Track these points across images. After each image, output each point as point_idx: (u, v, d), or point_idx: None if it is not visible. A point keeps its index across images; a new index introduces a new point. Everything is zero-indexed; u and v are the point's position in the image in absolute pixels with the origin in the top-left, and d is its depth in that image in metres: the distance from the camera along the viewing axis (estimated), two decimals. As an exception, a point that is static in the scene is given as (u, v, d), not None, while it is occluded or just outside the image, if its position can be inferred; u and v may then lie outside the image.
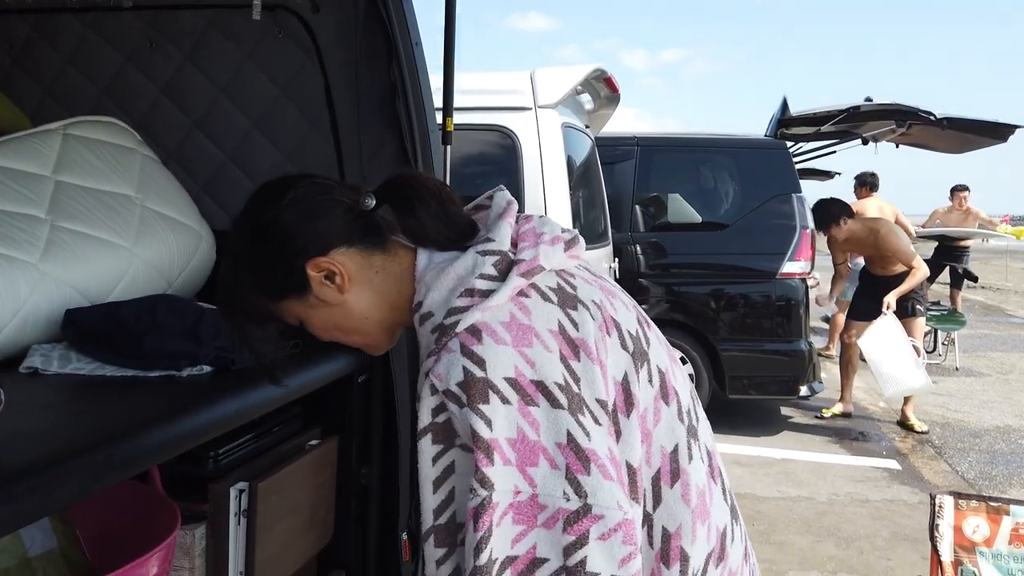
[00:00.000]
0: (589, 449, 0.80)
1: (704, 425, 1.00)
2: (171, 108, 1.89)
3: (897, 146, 6.02)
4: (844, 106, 5.00)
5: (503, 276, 0.88)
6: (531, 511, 0.79)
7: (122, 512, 1.22)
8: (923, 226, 8.36)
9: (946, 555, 1.69)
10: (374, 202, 0.95)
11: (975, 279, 8.76)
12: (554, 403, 0.81)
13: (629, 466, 0.86)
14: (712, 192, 5.28)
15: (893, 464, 4.46)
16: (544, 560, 0.79)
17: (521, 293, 0.88)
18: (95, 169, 1.57)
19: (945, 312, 6.98)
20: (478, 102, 3.30)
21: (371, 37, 1.65)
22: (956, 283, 8.39)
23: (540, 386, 0.81)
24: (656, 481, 0.90)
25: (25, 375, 1.25)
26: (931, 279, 8.37)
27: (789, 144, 5.34)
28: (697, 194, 5.27)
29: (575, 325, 0.86)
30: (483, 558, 0.78)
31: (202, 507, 1.26)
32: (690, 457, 0.92)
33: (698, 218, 5.17)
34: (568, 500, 0.79)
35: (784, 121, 5.20)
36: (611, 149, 4.90)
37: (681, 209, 5.19)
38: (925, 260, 8.57)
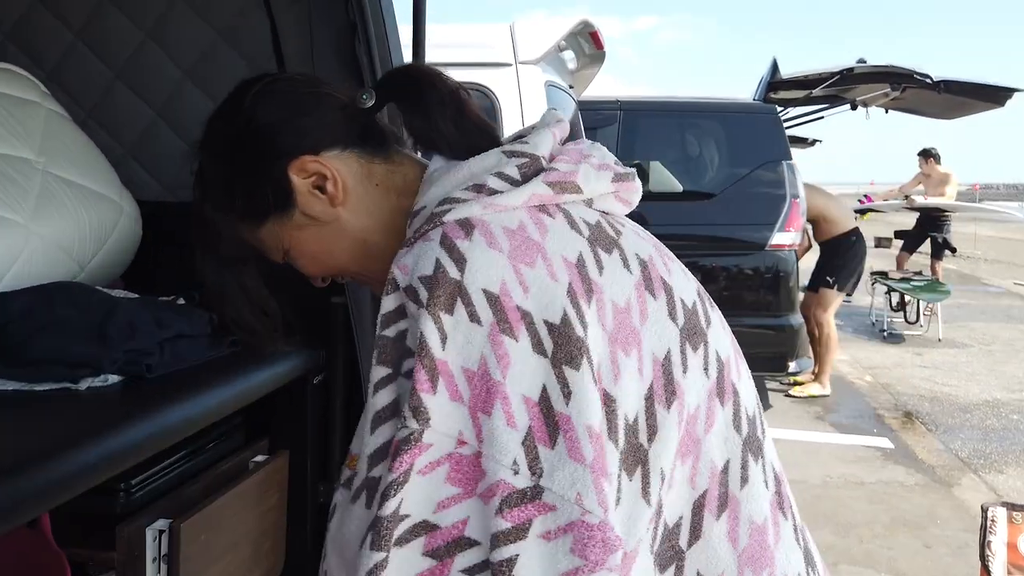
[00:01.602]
0: (562, 415, 0.59)
1: (769, 441, 0.76)
2: (88, 56, 1.59)
3: (887, 111, 5.82)
4: (837, 68, 4.77)
5: (526, 182, 0.69)
6: (472, 473, 0.59)
7: (2, 559, 0.95)
8: (901, 188, 8.24)
9: (999, 574, 1.49)
10: (374, 100, 0.76)
11: (953, 250, 8.67)
12: (536, 345, 0.60)
13: (661, 473, 0.65)
14: (698, 159, 5.04)
15: (885, 443, 4.31)
16: (472, 543, 0.58)
17: (543, 209, 0.68)
18: (-17, 126, 1.27)
19: (927, 282, 6.87)
20: (450, 57, 3.00)
21: (324, -34, 1.37)
22: (936, 253, 8.28)
23: (526, 318, 0.61)
24: (699, 508, 0.67)
25: None
26: (912, 248, 8.24)
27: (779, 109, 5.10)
28: (682, 161, 5.02)
29: (599, 268, 0.65)
30: (389, 507, 0.58)
31: (111, 554, 1.00)
32: (744, 480, 0.70)
33: (680, 187, 4.93)
34: (516, 473, 0.58)
35: (774, 84, 4.96)
36: (593, 113, 4.62)
37: (664, 177, 4.94)
38: (907, 231, 8.44)
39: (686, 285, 0.74)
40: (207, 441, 1.18)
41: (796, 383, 5.11)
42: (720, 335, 0.75)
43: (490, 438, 0.58)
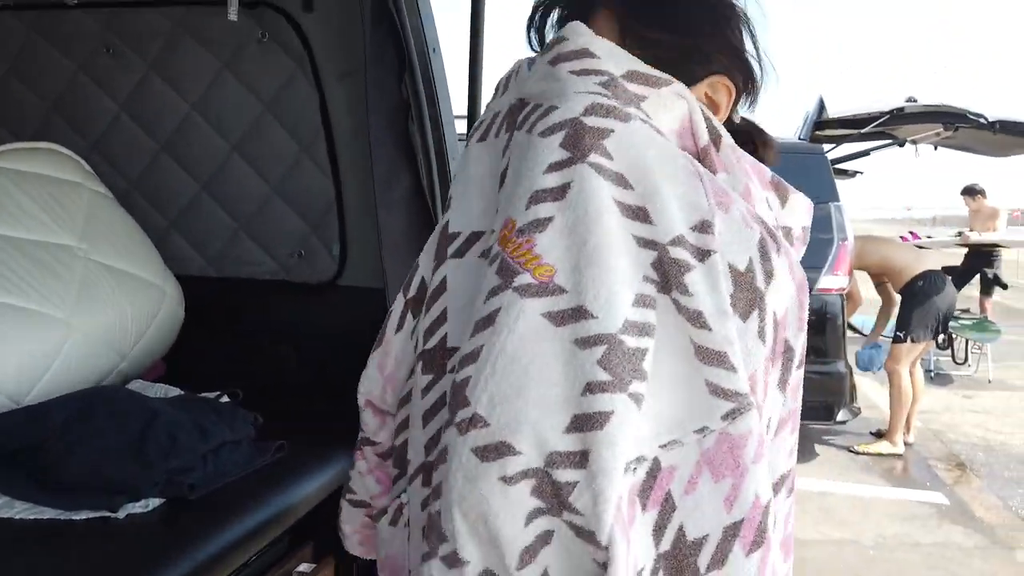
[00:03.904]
0: None
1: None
2: (134, 128, 1.54)
3: (936, 148, 5.66)
4: (887, 107, 4.64)
5: None
6: None
7: None
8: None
9: None
10: None
11: (1005, 286, 8.38)
12: None
13: None
14: (741, 199, 4.91)
15: (940, 498, 4.12)
16: None
17: None
18: (26, 214, 1.23)
19: (976, 320, 6.62)
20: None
21: (378, 43, 1.30)
22: (986, 289, 8.00)
23: None
24: None
25: (-96, 517, 0.91)
26: (961, 284, 7.96)
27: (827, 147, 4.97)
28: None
29: None
30: None
31: None
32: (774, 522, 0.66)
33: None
34: None
35: (820, 123, 4.84)
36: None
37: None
38: (955, 267, 8.14)
39: None
40: (250, 555, 1.10)
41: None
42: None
43: None
